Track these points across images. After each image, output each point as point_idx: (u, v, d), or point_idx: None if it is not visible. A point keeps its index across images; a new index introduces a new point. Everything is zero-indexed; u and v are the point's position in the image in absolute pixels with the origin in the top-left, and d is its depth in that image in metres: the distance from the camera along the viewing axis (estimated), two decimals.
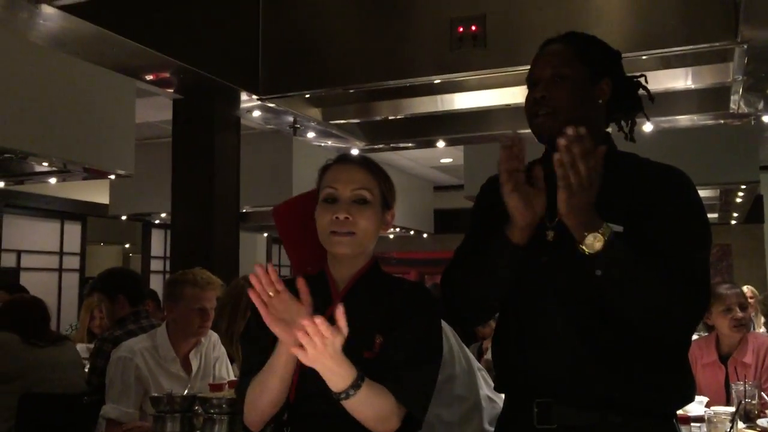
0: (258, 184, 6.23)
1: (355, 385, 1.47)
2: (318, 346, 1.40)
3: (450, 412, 2.08)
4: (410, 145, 6.43)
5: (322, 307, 1.57)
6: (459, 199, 6.80)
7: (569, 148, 1.46)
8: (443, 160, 9.05)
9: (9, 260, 8.35)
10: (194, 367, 3.07)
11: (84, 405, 3.51)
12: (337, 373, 1.46)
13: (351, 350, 1.46)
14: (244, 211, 6.60)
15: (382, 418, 1.54)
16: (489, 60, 4.28)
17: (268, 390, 1.59)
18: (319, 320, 1.39)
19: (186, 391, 2.70)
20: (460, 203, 6.52)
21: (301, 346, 1.42)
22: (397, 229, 8.88)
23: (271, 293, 1.49)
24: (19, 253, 8.54)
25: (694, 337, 3.49)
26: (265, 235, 9.81)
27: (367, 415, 1.53)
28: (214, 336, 3.16)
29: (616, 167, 1.62)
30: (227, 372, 3.18)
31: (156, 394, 2.54)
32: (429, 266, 10.59)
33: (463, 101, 5.23)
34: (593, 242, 1.49)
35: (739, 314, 3.48)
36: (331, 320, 1.43)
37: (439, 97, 5.18)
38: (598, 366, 1.57)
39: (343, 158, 1.77)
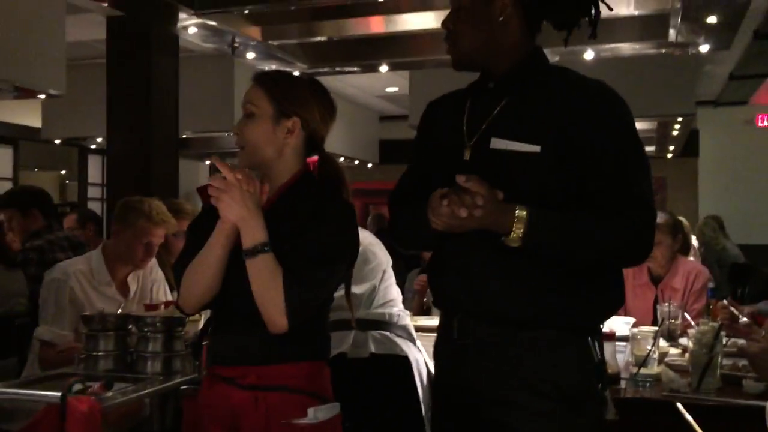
0: (199, 108, 6.03)
1: (263, 248, 1.62)
2: (235, 195, 1.61)
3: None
4: (354, 69, 6.26)
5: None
6: (404, 130, 6.72)
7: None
8: (389, 89, 8.90)
9: None
10: (132, 290, 3.01)
11: (19, 327, 3.42)
12: (251, 226, 1.63)
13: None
14: (184, 136, 6.41)
15: (270, 300, 1.61)
16: None
17: (205, 268, 1.68)
18: (238, 172, 1.63)
19: (119, 311, 2.65)
20: (405, 134, 6.41)
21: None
22: (342, 159, 8.80)
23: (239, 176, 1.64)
24: None
25: None
26: (207, 163, 9.58)
27: (260, 286, 1.62)
28: (152, 259, 3.09)
29: (545, 83, 1.62)
30: (164, 296, 3.12)
31: (88, 313, 2.48)
32: (373, 196, 10.53)
33: (409, 22, 5.10)
34: (515, 237, 1.51)
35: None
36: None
37: (384, 17, 5.04)
38: (518, 287, 1.59)
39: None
